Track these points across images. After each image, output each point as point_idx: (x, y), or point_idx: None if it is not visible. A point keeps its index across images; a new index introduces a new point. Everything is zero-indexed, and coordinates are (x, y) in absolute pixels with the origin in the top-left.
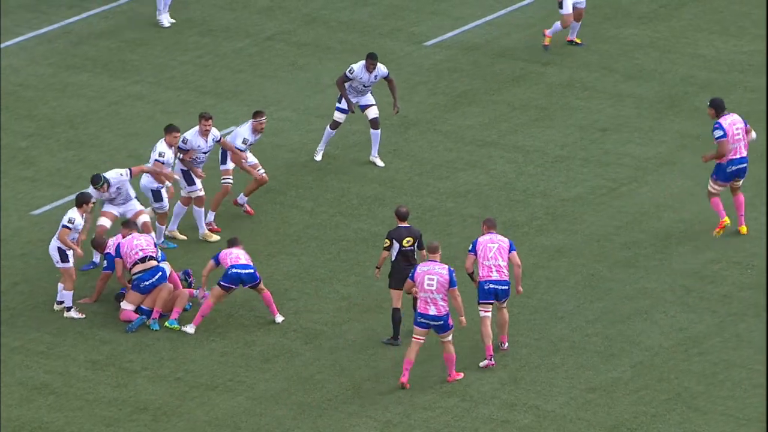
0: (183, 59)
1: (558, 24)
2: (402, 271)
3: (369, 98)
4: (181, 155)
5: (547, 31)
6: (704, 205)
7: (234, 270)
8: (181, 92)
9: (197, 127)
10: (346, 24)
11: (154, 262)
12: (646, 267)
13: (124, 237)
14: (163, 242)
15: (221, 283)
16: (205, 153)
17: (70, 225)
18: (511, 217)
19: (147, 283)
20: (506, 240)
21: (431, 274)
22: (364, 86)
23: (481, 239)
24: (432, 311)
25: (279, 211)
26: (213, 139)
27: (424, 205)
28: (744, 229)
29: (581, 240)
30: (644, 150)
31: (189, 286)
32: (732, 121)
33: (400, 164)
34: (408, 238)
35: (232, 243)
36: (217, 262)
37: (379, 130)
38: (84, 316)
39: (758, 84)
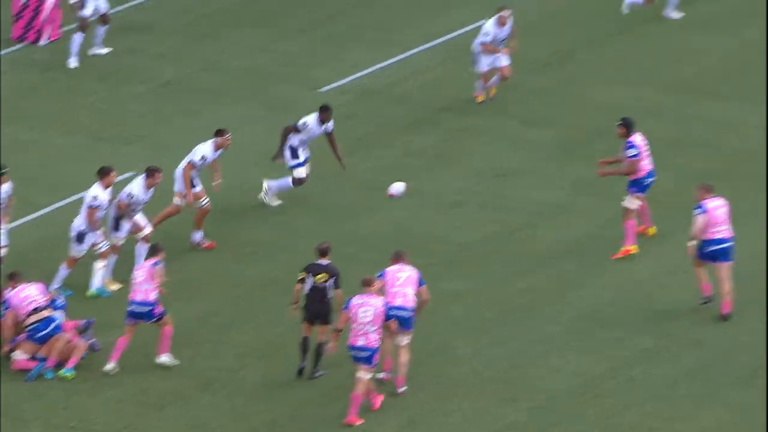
0: (79, 104)
1: (496, 78)
2: (314, 306)
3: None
4: (119, 204)
5: (483, 87)
6: (602, 248)
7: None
8: (76, 138)
9: (142, 180)
10: (242, 70)
11: (46, 312)
12: (543, 311)
13: (12, 289)
14: (59, 288)
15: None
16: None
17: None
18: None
19: (41, 333)
20: (416, 272)
21: (366, 306)
22: (309, 139)
23: (389, 269)
24: (360, 342)
25: (178, 257)
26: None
27: (274, 276)
28: (653, 230)
29: (479, 284)
30: (541, 195)
31: (84, 333)
32: (641, 138)
33: (299, 210)
34: (323, 275)
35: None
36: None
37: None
38: None
39: (649, 128)
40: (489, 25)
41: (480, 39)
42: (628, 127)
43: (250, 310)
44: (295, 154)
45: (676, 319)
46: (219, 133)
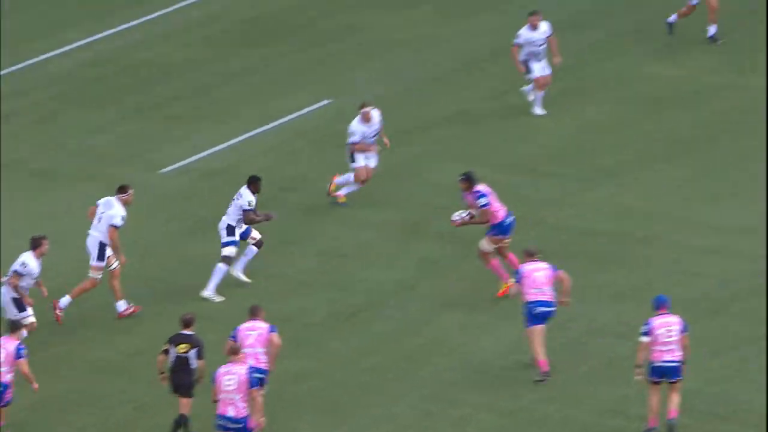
0: None
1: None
2: (178, 376)
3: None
4: (13, 280)
5: (337, 181)
6: (442, 328)
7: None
8: None
9: (31, 252)
10: (81, 151)
11: None
12: (388, 391)
13: None
14: None
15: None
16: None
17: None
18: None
19: None
20: (266, 327)
21: (230, 374)
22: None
23: (241, 327)
24: (231, 413)
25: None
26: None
27: (167, 331)
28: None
29: (323, 365)
30: (385, 275)
31: None
32: (486, 187)
33: (141, 291)
34: (184, 345)
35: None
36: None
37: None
38: None
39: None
40: (354, 124)
41: (349, 140)
42: (470, 179)
43: (88, 393)
44: (231, 231)
45: (518, 398)
46: (121, 189)
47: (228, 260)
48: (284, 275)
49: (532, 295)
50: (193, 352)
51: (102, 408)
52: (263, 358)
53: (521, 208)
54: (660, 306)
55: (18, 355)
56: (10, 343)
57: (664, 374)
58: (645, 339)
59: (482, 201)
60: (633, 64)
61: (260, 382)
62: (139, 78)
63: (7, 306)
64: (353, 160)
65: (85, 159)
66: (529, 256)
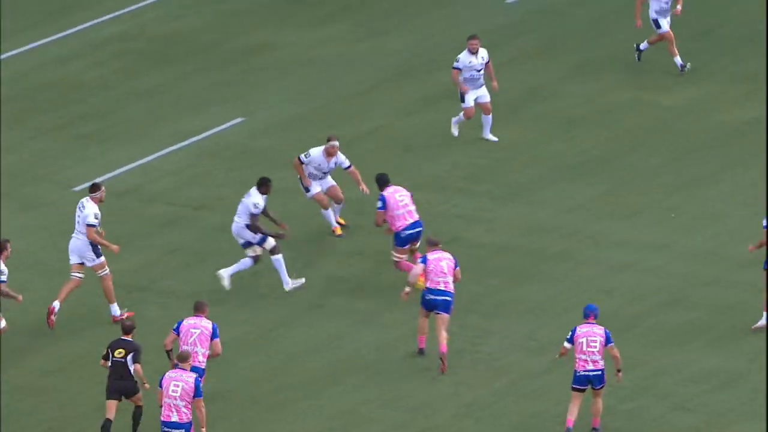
0: None
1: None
2: (116, 382)
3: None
4: None
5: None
6: (361, 343)
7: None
8: None
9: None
10: None
11: None
12: (296, 409)
13: None
14: None
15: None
16: None
17: None
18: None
19: None
20: (209, 329)
21: (177, 380)
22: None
23: (185, 322)
24: (174, 418)
25: None
26: None
27: (77, 351)
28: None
29: (233, 385)
30: (297, 293)
31: None
32: (395, 190)
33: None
34: (120, 350)
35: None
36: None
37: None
38: None
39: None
40: (316, 154)
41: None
42: (378, 181)
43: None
44: (253, 229)
45: (434, 416)
46: (93, 188)
47: (274, 250)
48: (198, 293)
49: (432, 283)
50: (129, 357)
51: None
52: (202, 359)
53: (436, 225)
54: (587, 315)
55: None
56: None
57: (586, 383)
58: (567, 345)
59: (378, 204)
60: (546, 82)
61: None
62: (51, 96)
63: None
64: (307, 192)
65: None
66: (432, 245)
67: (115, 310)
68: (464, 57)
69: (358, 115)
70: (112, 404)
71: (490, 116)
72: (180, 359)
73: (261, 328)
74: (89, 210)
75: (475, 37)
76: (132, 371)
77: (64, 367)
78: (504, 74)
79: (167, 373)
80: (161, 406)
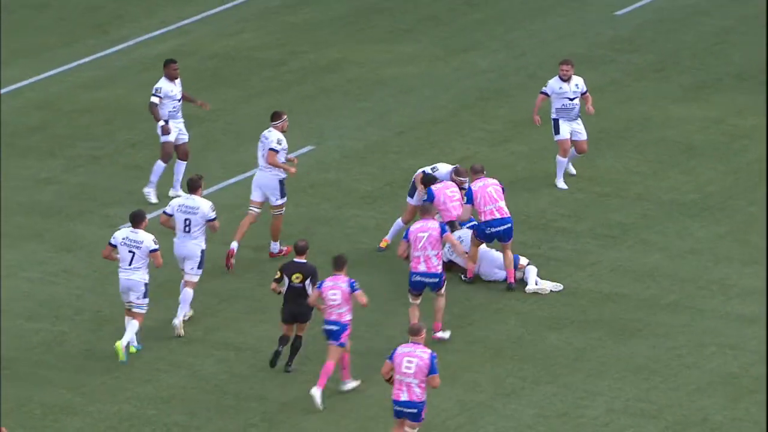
0: None
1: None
2: (291, 306)
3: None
4: None
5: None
6: (442, 408)
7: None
8: None
9: None
10: (25, 206)
11: None
12: None
13: None
14: None
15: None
16: None
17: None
18: (223, 425)
19: None
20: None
21: (411, 356)
22: None
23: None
24: (404, 397)
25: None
26: None
27: (121, 412)
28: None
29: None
30: (368, 345)
31: None
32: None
33: (93, 365)
34: (297, 274)
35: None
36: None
37: None
38: None
39: None
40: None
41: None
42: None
43: None
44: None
45: None
46: (275, 116)
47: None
48: (255, 348)
49: (486, 215)
50: (307, 282)
51: None
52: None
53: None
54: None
55: None
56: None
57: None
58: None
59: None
60: (658, 105)
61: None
62: (95, 121)
63: None
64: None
65: (30, 215)
66: (476, 173)
67: (275, 247)
68: (554, 83)
69: (440, 143)
70: (289, 327)
71: (569, 158)
72: (412, 333)
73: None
74: (273, 137)
75: (568, 62)
76: (308, 296)
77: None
78: (609, 96)
79: (399, 348)
80: (387, 381)
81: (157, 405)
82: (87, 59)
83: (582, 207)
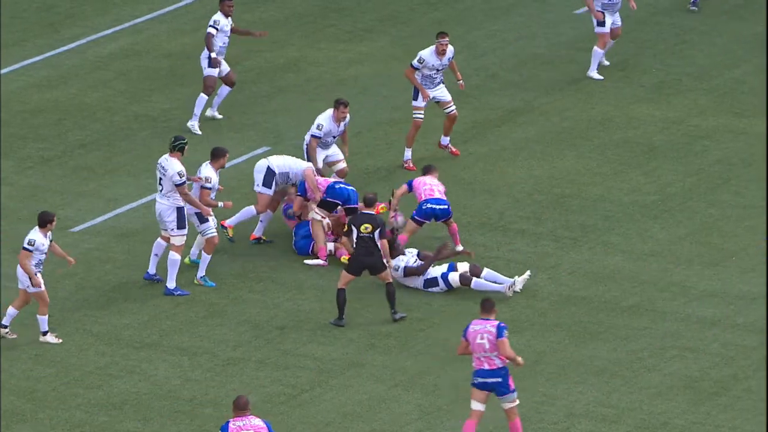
0: None
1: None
2: (359, 258)
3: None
4: None
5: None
6: (401, 412)
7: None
8: None
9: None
10: None
11: None
12: None
13: None
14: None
15: (415, 217)
16: None
17: (30, 247)
18: (177, 431)
19: None
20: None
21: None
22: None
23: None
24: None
25: None
26: None
27: (72, 419)
28: None
29: None
30: (328, 350)
31: None
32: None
33: (44, 371)
34: (366, 225)
35: (426, 170)
36: (411, 188)
37: None
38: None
39: None
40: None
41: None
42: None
43: None
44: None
45: None
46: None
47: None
48: (212, 352)
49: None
50: (376, 233)
51: None
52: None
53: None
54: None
55: None
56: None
57: None
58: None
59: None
60: (618, 105)
61: None
62: (46, 121)
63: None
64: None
65: None
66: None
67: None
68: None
69: (398, 144)
70: (350, 278)
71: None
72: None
73: (293, 388)
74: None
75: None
76: (379, 246)
77: None
78: (570, 96)
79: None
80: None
81: (109, 411)
82: (38, 58)
83: (542, 208)
